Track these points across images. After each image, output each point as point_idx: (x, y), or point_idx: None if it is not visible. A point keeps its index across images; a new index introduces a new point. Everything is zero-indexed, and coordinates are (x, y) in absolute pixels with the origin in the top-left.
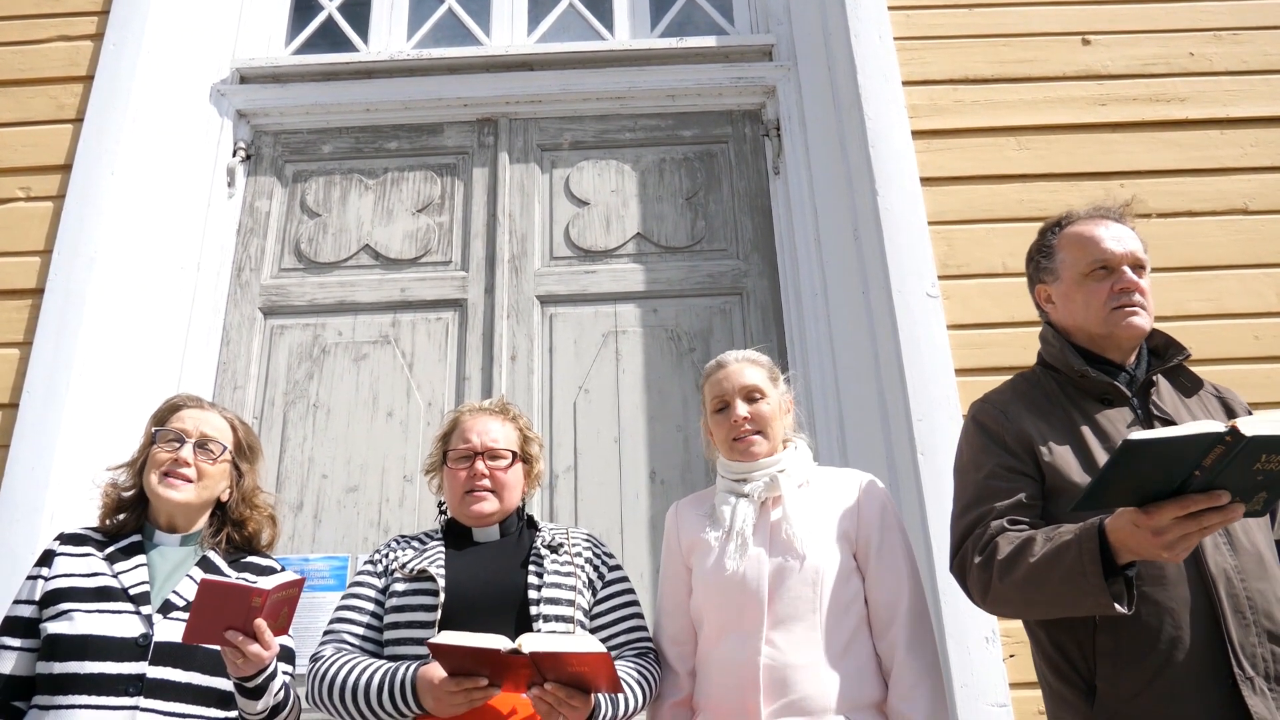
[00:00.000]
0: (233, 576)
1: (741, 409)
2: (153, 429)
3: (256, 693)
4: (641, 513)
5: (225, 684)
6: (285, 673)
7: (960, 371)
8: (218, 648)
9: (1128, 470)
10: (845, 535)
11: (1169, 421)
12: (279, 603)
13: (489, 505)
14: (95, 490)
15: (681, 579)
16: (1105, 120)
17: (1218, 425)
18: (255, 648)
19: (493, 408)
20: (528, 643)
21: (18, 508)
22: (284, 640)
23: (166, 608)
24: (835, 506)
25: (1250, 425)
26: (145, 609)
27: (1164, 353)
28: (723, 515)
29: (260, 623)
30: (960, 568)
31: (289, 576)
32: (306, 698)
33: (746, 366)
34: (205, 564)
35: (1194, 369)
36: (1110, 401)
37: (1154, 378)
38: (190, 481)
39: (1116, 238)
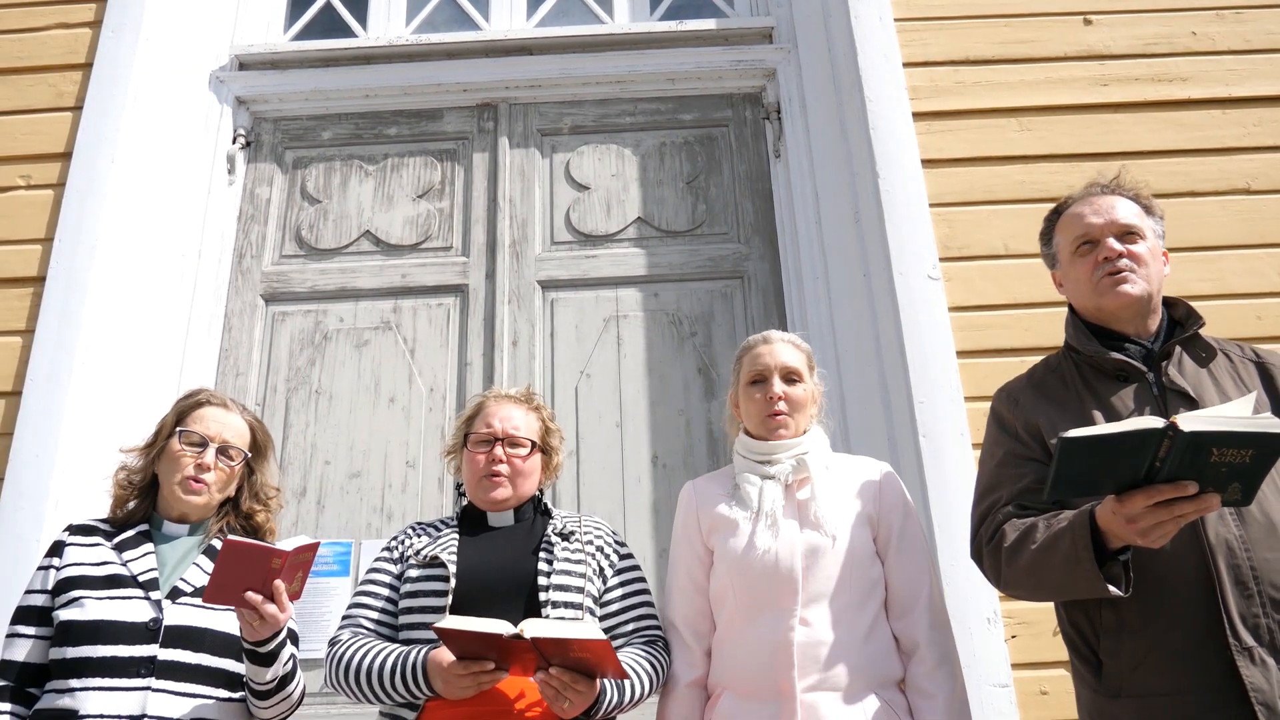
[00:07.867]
0: None
1: (779, 386)
2: (175, 424)
3: (268, 659)
4: (644, 497)
5: (234, 665)
6: (291, 654)
7: (961, 354)
8: (226, 631)
9: (1073, 463)
10: (868, 520)
11: (1183, 393)
12: (294, 566)
13: (503, 491)
14: (106, 479)
15: (699, 558)
16: (1107, 100)
17: (1156, 421)
18: (272, 609)
19: (518, 396)
20: (529, 628)
21: (23, 495)
22: (289, 624)
23: (175, 594)
24: (857, 492)
25: (1190, 421)
26: (155, 595)
27: (1186, 323)
28: (748, 495)
29: (279, 584)
30: (977, 554)
31: (305, 540)
32: (325, 680)
33: (790, 348)
34: (211, 552)
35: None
36: (1126, 378)
37: (1170, 350)
38: (208, 486)
39: (1098, 210)
